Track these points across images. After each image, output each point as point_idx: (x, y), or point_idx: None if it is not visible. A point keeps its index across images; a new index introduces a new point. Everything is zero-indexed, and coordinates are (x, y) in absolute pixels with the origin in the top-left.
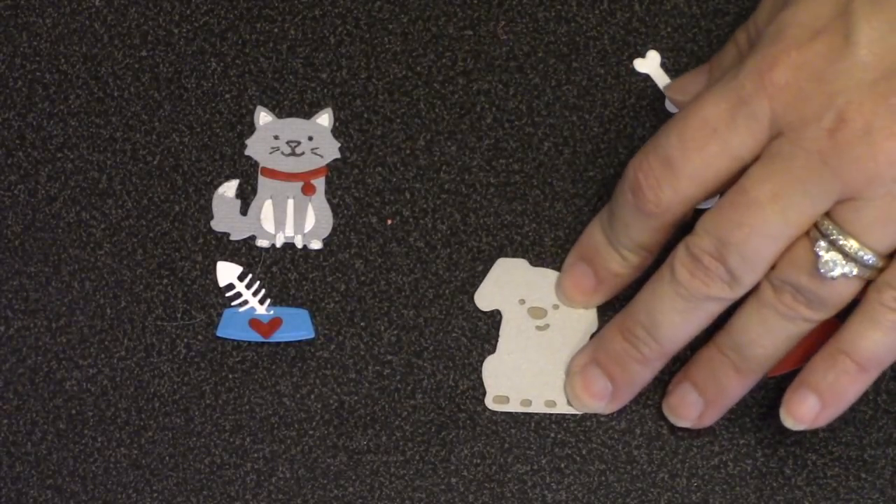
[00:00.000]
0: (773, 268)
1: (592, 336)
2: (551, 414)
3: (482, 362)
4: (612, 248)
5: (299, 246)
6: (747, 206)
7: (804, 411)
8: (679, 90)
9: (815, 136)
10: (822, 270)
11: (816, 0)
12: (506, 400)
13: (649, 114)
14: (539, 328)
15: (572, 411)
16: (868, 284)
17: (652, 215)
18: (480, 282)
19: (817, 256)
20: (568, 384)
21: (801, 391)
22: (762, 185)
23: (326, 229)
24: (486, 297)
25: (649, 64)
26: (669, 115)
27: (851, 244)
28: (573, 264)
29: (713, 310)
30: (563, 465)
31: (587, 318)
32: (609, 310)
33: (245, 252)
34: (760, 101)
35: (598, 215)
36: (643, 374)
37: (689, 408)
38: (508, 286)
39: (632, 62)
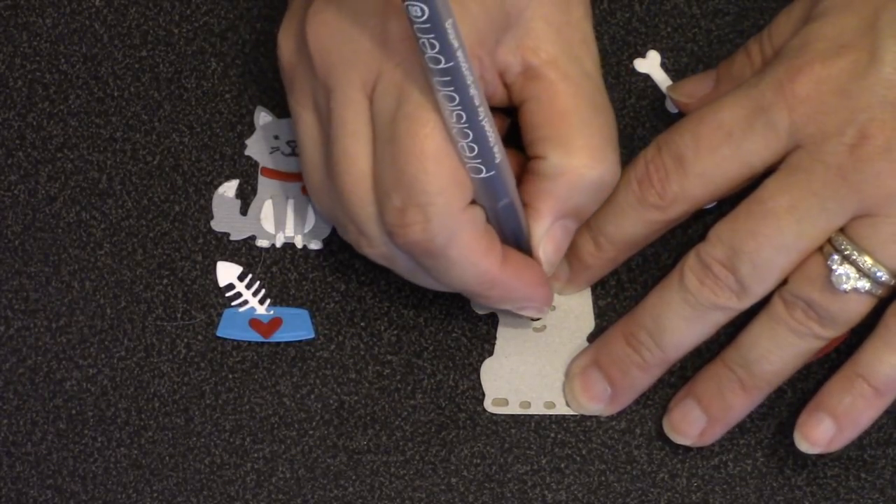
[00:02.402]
0: (785, 283)
1: (589, 337)
2: (551, 414)
3: (482, 362)
4: (588, 236)
5: (299, 246)
6: (763, 216)
7: (819, 435)
8: (682, 92)
9: (836, 150)
10: (834, 283)
11: (843, 15)
12: (505, 402)
13: (649, 114)
14: (536, 330)
15: (572, 412)
16: (883, 306)
17: (653, 207)
18: None
19: (830, 270)
20: (567, 386)
21: (817, 414)
22: (779, 196)
23: (326, 229)
24: None
25: (649, 64)
26: (669, 115)
27: (865, 260)
28: None
29: (719, 319)
30: (563, 465)
31: (584, 319)
32: (609, 311)
33: (245, 252)
34: (780, 111)
35: None
36: (643, 380)
37: (692, 424)
38: None
39: (632, 62)
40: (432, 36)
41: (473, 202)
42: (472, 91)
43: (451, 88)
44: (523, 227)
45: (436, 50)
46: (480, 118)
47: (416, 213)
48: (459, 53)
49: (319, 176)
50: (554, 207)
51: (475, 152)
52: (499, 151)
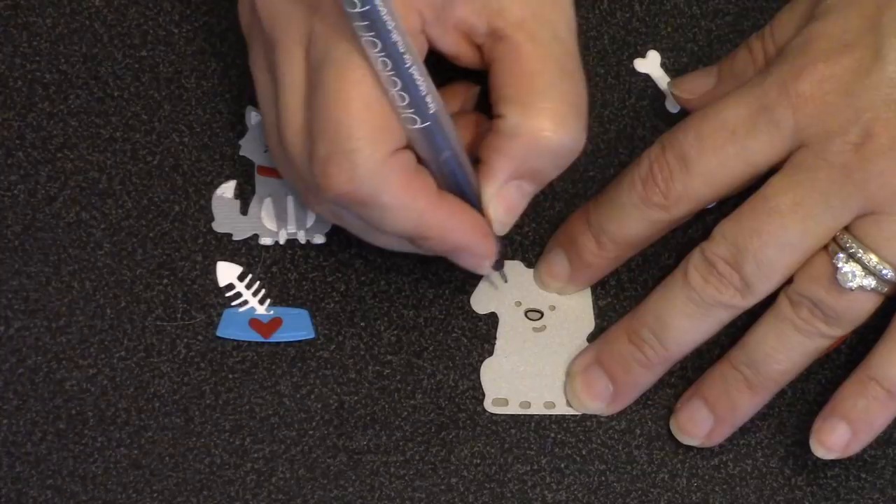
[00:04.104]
0: (790, 282)
1: (589, 337)
2: (551, 414)
3: (482, 362)
4: (591, 235)
5: (302, 241)
6: (767, 214)
7: (835, 440)
8: (684, 88)
9: (840, 149)
10: (840, 282)
11: (846, 14)
12: (505, 402)
13: (649, 114)
14: (536, 330)
15: (572, 412)
16: (890, 307)
17: (657, 207)
18: (479, 282)
19: (836, 268)
20: (569, 384)
21: (832, 420)
22: (783, 195)
23: (329, 223)
24: (482, 300)
25: (649, 64)
26: (669, 115)
27: (871, 258)
28: (549, 250)
29: (723, 317)
30: (563, 465)
31: (584, 319)
32: (609, 311)
33: (245, 252)
34: (784, 110)
35: (583, 206)
36: (645, 378)
37: (699, 425)
38: (504, 288)
39: (632, 62)
40: None
41: (405, 148)
42: (395, 37)
43: (371, 34)
44: (472, 184)
45: None
46: (407, 65)
47: (342, 161)
48: None
49: (275, 135)
50: (507, 166)
51: (406, 101)
52: (433, 101)
